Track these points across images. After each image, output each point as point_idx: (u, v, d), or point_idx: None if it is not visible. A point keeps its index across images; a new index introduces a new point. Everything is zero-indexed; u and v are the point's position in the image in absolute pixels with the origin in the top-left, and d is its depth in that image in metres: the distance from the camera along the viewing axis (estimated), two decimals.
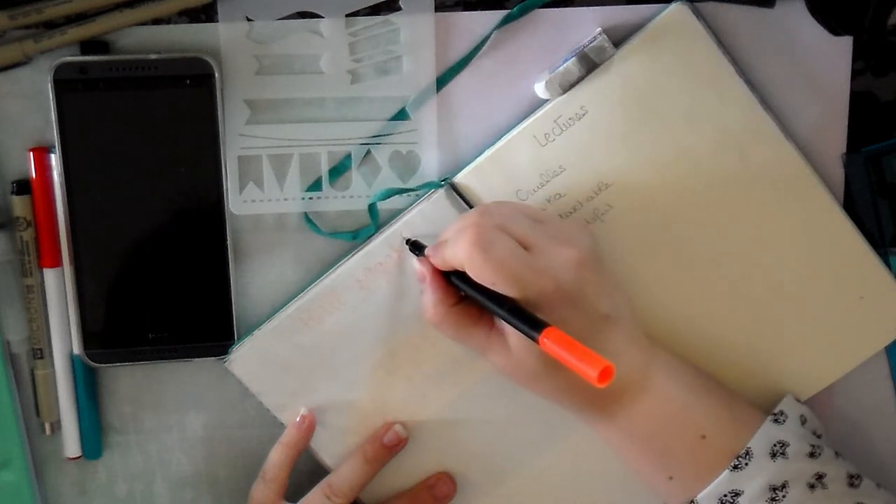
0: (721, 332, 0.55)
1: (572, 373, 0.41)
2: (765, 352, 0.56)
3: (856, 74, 0.55)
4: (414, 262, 0.52)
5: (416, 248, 0.52)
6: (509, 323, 0.46)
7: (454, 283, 0.50)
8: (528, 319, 0.45)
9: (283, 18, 0.53)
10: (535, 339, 0.43)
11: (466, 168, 0.54)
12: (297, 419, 0.55)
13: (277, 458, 0.54)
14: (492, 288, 0.46)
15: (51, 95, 0.51)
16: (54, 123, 0.51)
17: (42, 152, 0.53)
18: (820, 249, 0.55)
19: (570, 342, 0.42)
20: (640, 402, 0.50)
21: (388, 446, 0.55)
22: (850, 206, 0.55)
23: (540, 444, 0.57)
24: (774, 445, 0.50)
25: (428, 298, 0.50)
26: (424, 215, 0.54)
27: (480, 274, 0.46)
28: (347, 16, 0.53)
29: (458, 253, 0.47)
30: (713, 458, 0.50)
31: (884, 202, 0.55)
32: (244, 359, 0.55)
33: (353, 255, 0.54)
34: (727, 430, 0.50)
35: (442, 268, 0.50)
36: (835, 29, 0.51)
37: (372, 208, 0.55)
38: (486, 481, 0.57)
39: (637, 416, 0.50)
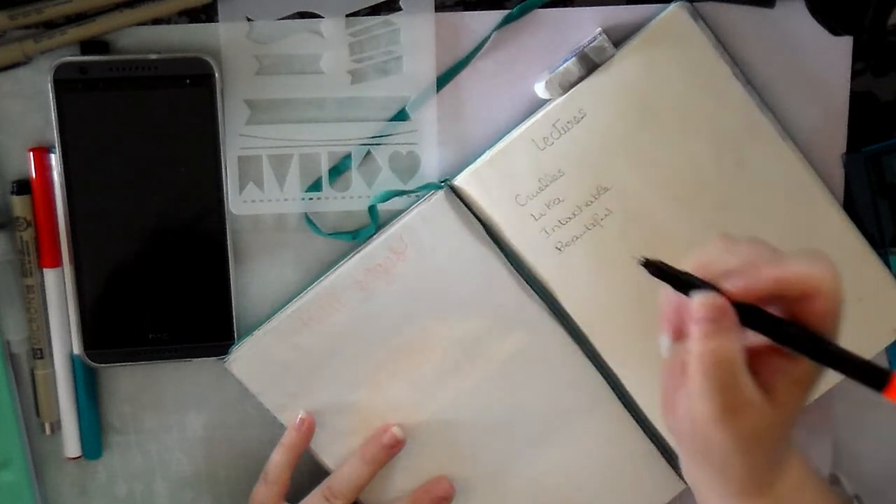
0: None
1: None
2: None
3: (856, 74, 0.55)
4: (696, 297, 0.39)
5: (666, 276, 0.41)
6: (852, 370, 0.39)
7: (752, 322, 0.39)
8: (873, 365, 0.39)
9: (283, 18, 0.53)
10: (880, 389, 0.38)
11: (465, 172, 0.54)
12: (297, 421, 0.55)
13: (278, 460, 0.55)
14: (828, 328, 0.39)
15: (51, 95, 0.51)
16: (54, 123, 0.51)
17: (42, 152, 0.53)
18: (820, 250, 0.55)
19: None
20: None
21: (385, 447, 0.55)
22: (850, 206, 0.55)
23: (539, 445, 0.57)
24: None
25: (723, 330, 0.38)
26: (424, 216, 0.54)
27: (838, 308, 0.39)
28: (347, 16, 0.53)
29: (818, 272, 0.38)
30: None
31: (884, 202, 0.55)
32: (244, 359, 0.55)
33: (353, 255, 0.54)
34: None
35: (761, 297, 0.39)
36: (835, 29, 0.51)
37: (372, 209, 0.55)
38: (485, 482, 0.57)
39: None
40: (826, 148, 0.55)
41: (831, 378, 0.56)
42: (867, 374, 0.39)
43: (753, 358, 0.40)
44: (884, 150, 0.54)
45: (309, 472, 0.57)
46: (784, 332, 0.39)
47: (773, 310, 0.40)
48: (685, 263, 0.41)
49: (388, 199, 0.54)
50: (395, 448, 0.55)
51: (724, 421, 0.39)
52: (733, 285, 0.39)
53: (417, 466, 0.57)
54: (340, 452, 0.56)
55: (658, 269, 0.41)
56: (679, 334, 0.41)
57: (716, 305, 0.39)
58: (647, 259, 0.42)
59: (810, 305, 0.39)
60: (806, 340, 0.39)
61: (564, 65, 0.52)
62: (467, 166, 0.54)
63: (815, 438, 0.59)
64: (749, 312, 0.39)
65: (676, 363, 0.41)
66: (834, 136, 0.55)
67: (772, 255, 0.40)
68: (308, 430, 0.55)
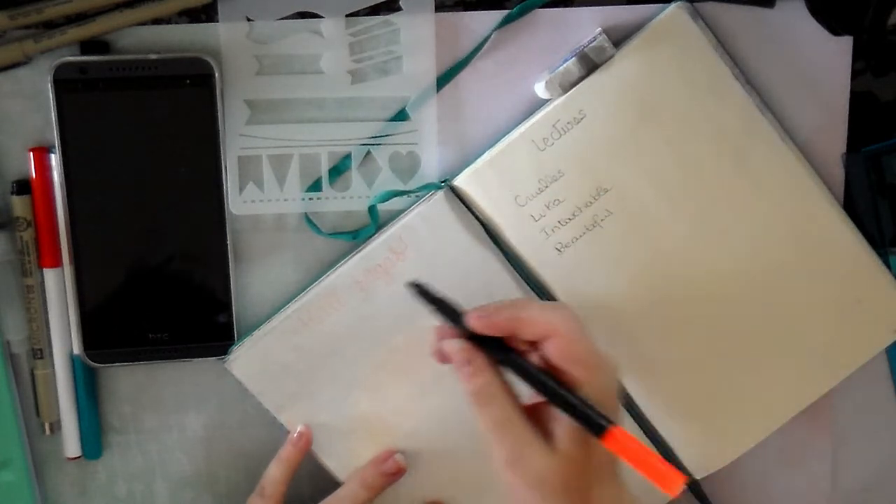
0: (721, 333, 0.55)
1: (613, 486, 0.41)
2: (765, 355, 0.56)
3: (856, 74, 0.55)
4: (449, 345, 0.44)
5: (429, 300, 0.46)
6: (574, 413, 0.41)
7: (503, 360, 0.43)
8: (594, 412, 0.41)
9: (283, 18, 0.53)
10: (598, 435, 0.40)
11: (465, 172, 0.54)
12: (294, 436, 0.55)
13: (275, 474, 0.55)
14: (568, 369, 0.42)
15: (51, 95, 0.51)
16: (54, 123, 0.51)
17: (42, 152, 0.53)
18: (820, 250, 0.55)
19: (638, 445, 0.40)
20: None
21: (385, 475, 0.55)
22: (850, 206, 0.55)
23: None
24: None
25: (477, 370, 0.43)
26: (424, 216, 0.54)
27: (571, 349, 0.42)
28: (347, 16, 0.53)
29: (553, 318, 0.43)
30: None
31: (884, 202, 0.55)
32: (244, 359, 0.55)
33: (353, 255, 0.54)
34: None
35: (499, 332, 0.44)
36: (835, 29, 0.51)
37: (372, 209, 0.55)
38: (485, 482, 0.57)
39: None
40: (826, 148, 0.55)
41: (831, 379, 0.57)
42: (589, 420, 0.41)
43: (535, 407, 0.44)
44: (884, 150, 0.54)
45: (310, 479, 0.57)
46: (521, 368, 0.43)
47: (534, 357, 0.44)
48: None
49: (388, 200, 0.54)
50: (395, 476, 0.55)
51: (511, 465, 0.43)
52: (476, 316, 0.44)
53: (417, 467, 0.56)
54: (340, 453, 0.56)
55: (421, 291, 0.46)
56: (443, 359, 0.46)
57: (465, 349, 0.44)
58: (411, 282, 0.46)
59: (551, 346, 0.43)
60: (535, 380, 0.43)
61: (564, 65, 0.52)
62: (467, 166, 0.54)
63: (815, 439, 0.59)
64: (495, 349, 0.43)
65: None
66: (834, 136, 0.55)
67: (519, 302, 0.45)
68: (305, 444, 0.55)
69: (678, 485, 0.39)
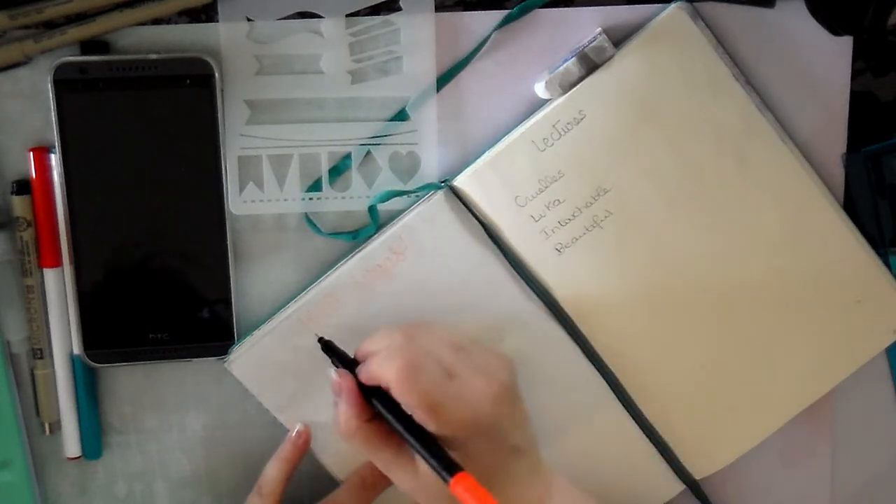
0: (720, 333, 0.55)
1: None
2: (764, 355, 0.56)
3: (856, 74, 0.55)
4: (331, 371, 0.49)
5: (333, 354, 0.51)
6: (423, 457, 0.45)
7: (371, 402, 0.48)
8: (442, 457, 0.45)
9: (283, 18, 0.53)
10: (446, 481, 0.44)
11: (465, 173, 0.54)
12: (293, 434, 0.55)
13: (273, 473, 0.55)
14: (411, 413, 0.46)
15: (51, 95, 0.51)
16: (54, 123, 0.51)
17: (42, 152, 0.53)
18: (820, 250, 0.55)
19: (480, 492, 0.43)
20: None
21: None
22: (850, 206, 0.55)
23: (540, 445, 0.57)
24: None
25: (343, 411, 0.48)
26: (424, 217, 0.54)
27: (405, 398, 0.46)
28: (347, 16, 0.53)
29: (386, 373, 0.46)
30: None
31: (884, 202, 0.55)
32: (244, 359, 0.55)
33: (353, 255, 0.54)
34: None
35: (365, 382, 0.48)
36: (835, 29, 0.51)
37: (372, 210, 0.55)
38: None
39: None
40: (826, 148, 0.55)
41: (832, 379, 0.57)
42: (440, 462, 0.44)
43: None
44: (884, 150, 0.54)
45: (309, 479, 0.57)
46: (387, 407, 0.47)
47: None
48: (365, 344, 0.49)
49: (388, 200, 0.54)
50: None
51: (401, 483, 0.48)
52: (358, 371, 0.48)
53: None
54: (340, 453, 0.56)
55: (326, 346, 0.51)
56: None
57: (338, 382, 0.48)
58: (320, 337, 0.51)
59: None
60: (397, 416, 0.46)
61: (564, 65, 0.52)
62: (467, 167, 0.54)
63: (815, 439, 0.59)
64: (374, 392, 0.47)
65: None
66: (834, 136, 0.55)
67: (374, 359, 0.48)
68: (305, 442, 0.55)
69: None
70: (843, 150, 0.55)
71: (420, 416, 0.46)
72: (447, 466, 0.44)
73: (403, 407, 0.46)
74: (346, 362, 0.50)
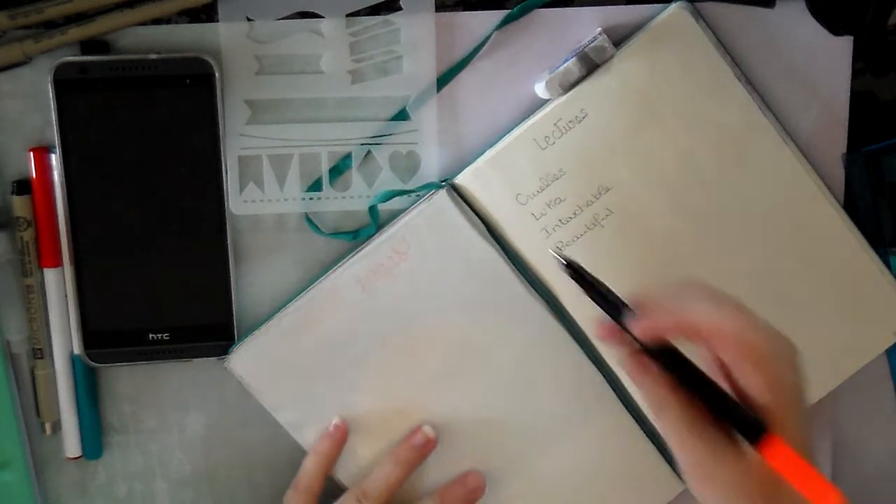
0: None
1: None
2: None
3: (856, 74, 0.55)
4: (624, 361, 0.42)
5: (595, 295, 0.43)
6: (725, 416, 0.39)
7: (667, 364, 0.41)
8: (748, 417, 0.39)
9: (283, 18, 0.53)
10: (753, 444, 0.38)
11: (466, 170, 0.54)
12: (331, 428, 0.55)
13: (311, 468, 0.54)
14: (737, 372, 0.39)
15: (51, 95, 0.51)
16: (54, 123, 0.51)
17: (42, 152, 0.53)
18: (820, 250, 0.55)
19: (795, 458, 0.37)
20: None
21: (417, 448, 0.55)
22: (850, 206, 0.55)
23: (539, 445, 0.57)
24: None
25: (650, 379, 0.41)
26: (424, 216, 0.54)
27: (737, 350, 0.39)
28: (348, 16, 0.53)
29: (717, 319, 0.39)
30: None
31: (884, 202, 0.55)
32: (244, 359, 0.55)
33: (354, 255, 0.54)
34: None
35: (664, 341, 0.41)
36: (835, 29, 0.51)
37: (372, 209, 0.55)
38: (488, 483, 0.57)
39: None
40: (826, 148, 0.55)
41: (832, 380, 0.57)
42: (746, 425, 0.39)
43: None
44: (884, 150, 0.54)
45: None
46: (684, 372, 0.41)
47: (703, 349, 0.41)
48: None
49: (388, 199, 0.54)
50: (426, 448, 0.55)
51: (693, 475, 0.41)
52: (641, 328, 0.41)
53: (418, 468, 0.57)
54: (343, 453, 0.56)
55: (575, 272, 0.43)
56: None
57: (636, 361, 0.42)
58: (564, 259, 0.44)
59: (720, 348, 0.40)
60: (695, 380, 0.40)
61: (565, 65, 0.52)
62: (467, 166, 0.54)
63: (816, 438, 0.59)
64: (663, 353, 0.41)
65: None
66: (834, 136, 0.55)
67: (682, 301, 0.41)
68: (341, 437, 0.55)
69: (834, 501, 0.37)
70: (843, 150, 0.55)
71: (747, 373, 0.39)
72: (752, 427, 0.38)
73: (730, 365, 0.40)
74: (606, 302, 0.43)
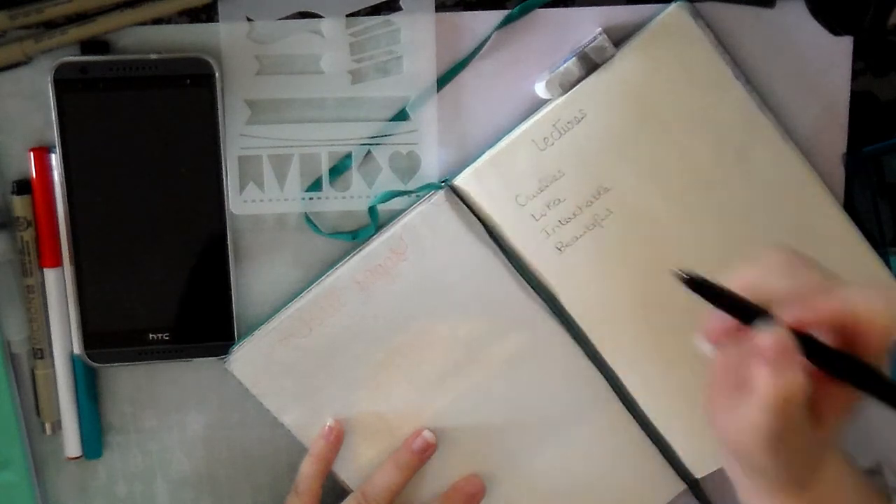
0: None
1: None
2: None
3: (856, 74, 0.55)
4: (762, 335, 0.37)
5: (709, 294, 0.39)
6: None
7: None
8: None
9: (283, 18, 0.53)
10: None
11: (465, 172, 0.54)
12: (325, 430, 0.55)
13: (308, 471, 0.54)
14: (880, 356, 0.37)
15: (51, 95, 0.51)
16: (54, 123, 0.51)
17: (42, 152, 0.53)
18: (820, 250, 0.55)
19: None
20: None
21: (417, 452, 0.55)
22: (850, 206, 0.55)
23: (539, 445, 0.57)
24: None
25: (793, 368, 0.37)
26: (425, 216, 0.54)
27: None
28: (348, 16, 0.53)
29: (874, 304, 0.37)
30: None
31: (884, 202, 0.55)
32: (244, 359, 0.55)
33: (353, 255, 0.54)
34: None
35: (810, 323, 0.38)
36: (835, 29, 0.51)
37: (372, 210, 0.55)
38: (486, 482, 0.57)
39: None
40: (826, 148, 0.55)
41: None
42: None
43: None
44: (884, 150, 0.54)
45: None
46: (840, 365, 0.38)
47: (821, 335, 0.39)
48: (726, 279, 0.39)
49: (388, 200, 0.54)
50: (426, 452, 0.55)
51: (773, 448, 0.39)
52: (788, 315, 0.37)
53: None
54: (341, 452, 0.56)
55: (697, 285, 0.39)
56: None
57: (782, 343, 0.37)
58: (686, 274, 0.39)
59: (861, 337, 0.38)
60: (861, 374, 0.38)
61: (564, 65, 0.52)
62: (467, 166, 0.54)
63: None
64: (806, 343, 0.37)
65: (730, 373, 0.41)
66: (834, 136, 0.55)
67: (823, 282, 0.38)
68: (338, 438, 0.55)
69: None
70: (843, 150, 0.55)
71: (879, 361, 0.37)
72: None
73: (867, 351, 0.37)
74: (742, 312, 0.39)
